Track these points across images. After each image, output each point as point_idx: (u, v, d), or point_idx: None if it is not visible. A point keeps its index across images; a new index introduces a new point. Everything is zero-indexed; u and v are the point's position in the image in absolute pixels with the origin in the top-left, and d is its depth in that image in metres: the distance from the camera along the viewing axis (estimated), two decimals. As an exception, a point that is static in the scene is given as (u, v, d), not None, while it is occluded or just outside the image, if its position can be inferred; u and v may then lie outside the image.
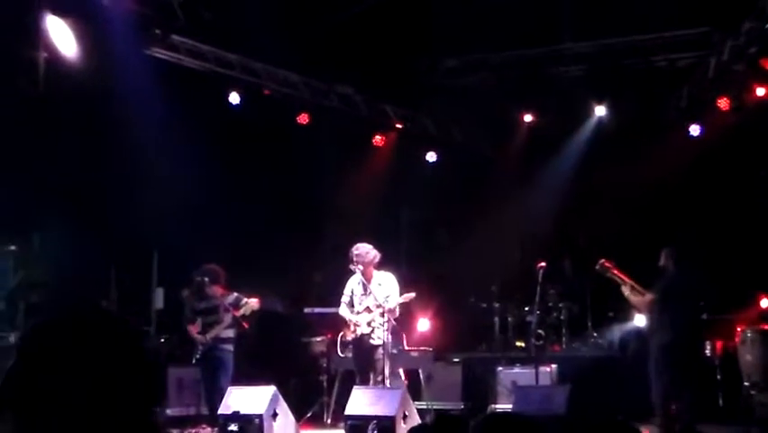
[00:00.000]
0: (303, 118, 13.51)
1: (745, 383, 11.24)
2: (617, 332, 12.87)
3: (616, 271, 10.17)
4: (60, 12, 10.15)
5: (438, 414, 10.51)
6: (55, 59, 10.25)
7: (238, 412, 9.79)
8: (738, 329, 11.55)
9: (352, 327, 10.67)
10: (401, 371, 12.33)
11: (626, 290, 10.15)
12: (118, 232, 12.19)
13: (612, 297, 11.57)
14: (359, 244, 10.68)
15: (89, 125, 11.35)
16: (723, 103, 12.58)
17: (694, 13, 11.65)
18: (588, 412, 9.93)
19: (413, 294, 10.68)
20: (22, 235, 11.78)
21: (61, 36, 10.16)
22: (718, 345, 11.66)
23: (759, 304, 11.88)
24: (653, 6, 11.56)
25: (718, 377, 11.49)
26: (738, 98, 12.52)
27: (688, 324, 9.87)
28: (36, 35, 10.15)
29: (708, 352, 11.66)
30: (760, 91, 12.17)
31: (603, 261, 10.31)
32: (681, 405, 9.73)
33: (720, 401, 11.42)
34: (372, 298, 10.54)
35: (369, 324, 10.57)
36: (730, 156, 13.06)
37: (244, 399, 9.99)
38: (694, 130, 13.26)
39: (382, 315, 10.48)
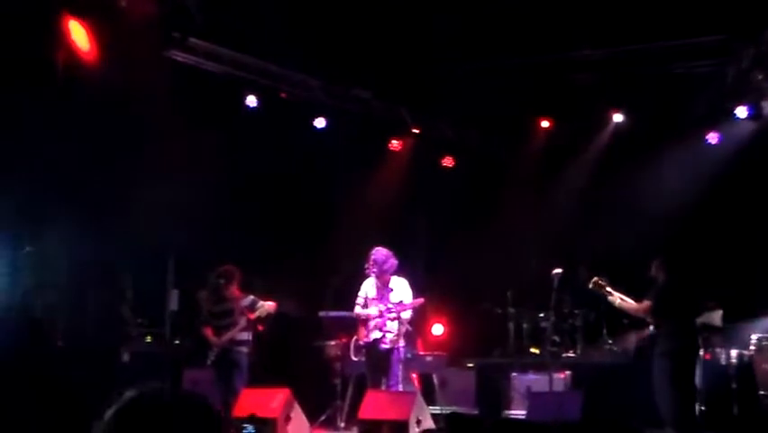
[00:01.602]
0: (320, 122, 13.51)
1: (761, 392, 11.18)
2: (633, 338, 12.81)
3: (608, 289, 10.14)
4: (79, 13, 10.20)
5: (452, 414, 10.52)
6: (73, 60, 10.30)
7: (252, 415, 9.80)
8: (754, 338, 11.49)
9: (364, 325, 10.68)
10: (414, 375, 12.34)
11: (615, 300, 10.11)
12: (134, 233, 12.23)
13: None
14: (379, 249, 10.71)
15: (107, 127, 11.39)
16: (741, 111, 12.52)
17: (713, 20, 11.60)
18: (602, 419, 9.90)
19: (422, 300, 10.70)
20: (37, 237, 11.83)
21: (80, 37, 10.21)
22: (734, 353, 11.59)
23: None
24: (672, 13, 11.51)
25: (734, 386, 11.42)
26: (757, 106, 12.45)
27: (684, 333, 9.79)
28: (55, 36, 10.20)
29: (723, 360, 11.60)
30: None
31: (596, 278, 10.25)
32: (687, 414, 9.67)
33: (735, 411, 11.35)
34: (385, 302, 10.57)
35: (380, 328, 10.58)
36: (748, 164, 12.99)
37: (259, 401, 10.01)
38: (712, 138, 13.20)
39: (394, 320, 10.50)
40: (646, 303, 9.83)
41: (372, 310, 10.62)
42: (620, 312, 10.59)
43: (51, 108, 10.69)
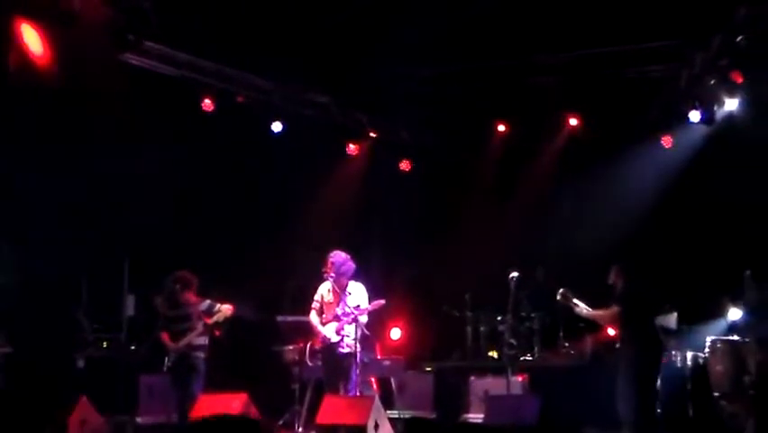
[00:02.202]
0: (277, 126, 13.46)
1: (715, 394, 11.32)
2: (588, 341, 12.91)
3: (575, 301, 10.19)
4: (32, 15, 10.07)
5: (411, 418, 10.53)
6: (26, 63, 10.17)
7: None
8: (708, 340, 11.63)
9: (320, 336, 10.69)
10: (372, 379, 12.34)
11: (582, 311, 10.16)
12: (90, 238, 12.11)
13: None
14: (337, 252, 10.71)
15: (60, 130, 11.27)
16: (694, 115, 12.67)
17: (666, 25, 11.74)
18: (558, 423, 9.95)
19: (382, 301, 10.71)
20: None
21: (32, 40, 10.08)
22: (689, 356, 11.72)
23: (728, 314, 11.94)
24: (626, 19, 11.63)
25: (689, 388, 11.55)
26: (709, 110, 12.61)
27: (648, 336, 9.88)
28: (7, 38, 10.07)
29: (678, 363, 11.73)
30: (730, 104, 12.26)
31: (562, 290, 10.30)
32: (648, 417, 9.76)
33: (690, 412, 11.47)
34: (342, 306, 10.56)
35: (338, 332, 10.58)
36: (701, 168, 13.15)
37: (216, 406, 9.94)
38: (666, 142, 13.35)
39: (351, 323, 10.51)
40: (615, 309, 9.86)
41: (330, 328, 10.59)
42: (587, 320, 10.62)
43: (2, 111, 10.55)
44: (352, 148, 14.56)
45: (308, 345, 10.94)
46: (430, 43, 12.15)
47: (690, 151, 13.24)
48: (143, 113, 11.53)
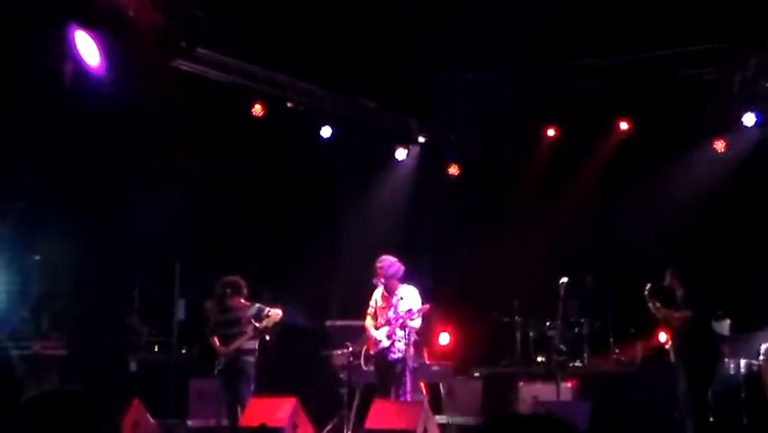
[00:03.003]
0: (326, 131, 13.51)
1: (770, 402, 11.16)
2: (639, 347, 12.77)
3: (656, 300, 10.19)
4: (86, 24, 10.22)
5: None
6: (80, 71, 10.33)
7: (263, 424, 9.79)
8: (763, 347, 11.45)
9: (374, 340, 10.69)
10: (422, 385, 12.31)
11: (660, 311, 10.15)
12: (140, 243, 12.25)
13: (634, 312, 11.52)
14: (383, 257, 10.71)
15: (113, 136, 11.41)
16: (749, 118, 12.49)
17: (718, 28, 11.59)
18: (610, 429, 9.88)
19: (427, 306, 10.68)
20: (45, 245, 11.86)
21: (87, 48, 10.23)
22: (742, 363, 11.55)
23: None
24: (677, 21, 11.51)
25: (742, 396, 11.39)
26: (764, 114, 12.43)
27: (708, 342, 9.83)
28: (62, 47, 10.23)
29: (732, 370, 11.57)
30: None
31: (649, 286, 10.28)
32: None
33: (744, 420, 11.31)
34: (393, 311, 10.55)
35: (389, 337, 10.57)
36: (756, 172, 12.96)
37: (266, 410, 10.00)
38: (719, 146, 13.18)
39: (402, 328, 10.48)
40: (686, 313, 9.87)
41: (382, 332, 10.60)
42: (638, 326, 10.60)
43: (58, 118, 10.72)
44: (400, 153, 14.57)
45: (363, 350, 10.93)
46: (479, 47, 12.13)
47: (744, 155, 13.06)
48: (194, 119, 11.65)
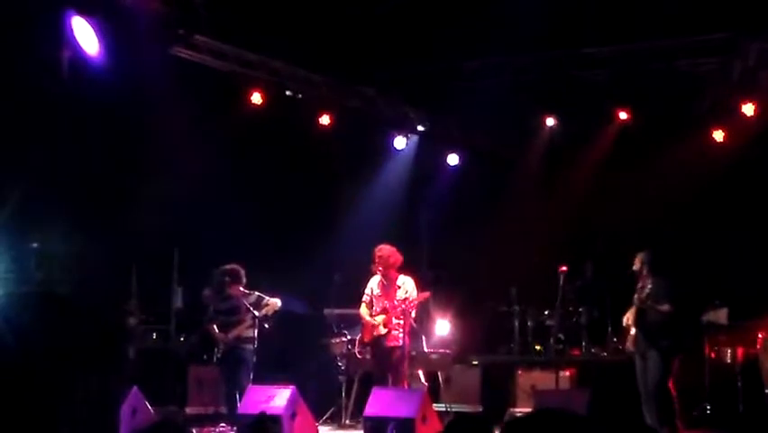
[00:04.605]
0: (324, 119, 13.49)
1: (767, 391, 11.17)
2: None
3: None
4: (84, 11, 10.18)
5: (459, 415, 10.50)
6: (78, 58, 10.29)
7: (263, 412, 9.79)
8: (760, 336, 11.46)
9: (369, 328, 10.71)
10: (420, 372, 12.34)
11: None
12: (139, 230, 12.24)
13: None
14: (382, 246, 10.74)
15: (112, 124, 11.39)
16: (748, 108, 12.47)
17: (718, 16, 11.55)
18: (610, 417, 9.87)
19: (427, 294, 10.72)
20: (43, 233, 11.84)
21: (85, 35, 10.19)
22: (739, 351, 11.57)
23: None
24: (677, 10, 11.47)
25: (739, 384, 11.41)
26: (764, 104, 12.40)
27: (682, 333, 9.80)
28: (60, 34, 10.19)
29: (728, 359, 11.59)
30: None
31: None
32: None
33: (741, 408, 11.34)
34: (391, 299, 10.58)
35: (386, 325, 10.59)
36: (755, 161, 12.96)
37: (264, 398, 10.00)
38: (718, 135, 13.17)
39: (399, 317, 10.51)
40: (666, 307, 9.74)
41: (379, 319, 10.62)
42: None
43: (56, 106, 10.69)
44: (399, 141, 14.54)
45: (358, 338, 10.97)
46: (477, 36, 12.09)
47: (742, 144, 13.04)
48: (192, 106, 11.62)
